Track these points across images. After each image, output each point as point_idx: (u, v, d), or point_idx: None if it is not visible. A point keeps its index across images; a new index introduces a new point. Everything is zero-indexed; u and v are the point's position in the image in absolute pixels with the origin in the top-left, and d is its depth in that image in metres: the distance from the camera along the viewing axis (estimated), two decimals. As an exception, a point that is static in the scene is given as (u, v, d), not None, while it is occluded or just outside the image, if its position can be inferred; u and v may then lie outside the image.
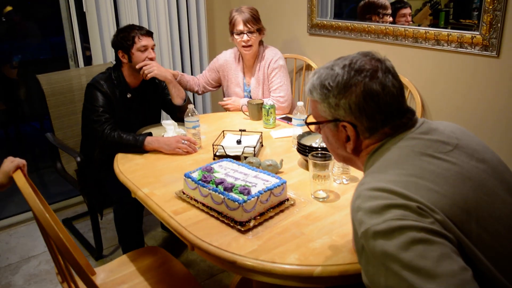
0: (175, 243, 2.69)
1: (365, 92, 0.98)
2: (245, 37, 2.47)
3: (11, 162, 1.34)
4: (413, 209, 0.83)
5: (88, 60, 3.06)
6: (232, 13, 2.53)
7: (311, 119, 1.15)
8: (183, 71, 3.28)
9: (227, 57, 2.68)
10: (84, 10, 2.78)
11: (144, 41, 2.18)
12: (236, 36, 2.50)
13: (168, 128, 2.17)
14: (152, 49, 2.24)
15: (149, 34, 2.22)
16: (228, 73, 2.67)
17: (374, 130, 1.01)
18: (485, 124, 2.13)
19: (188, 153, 1.99)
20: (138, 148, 2.01)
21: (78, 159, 2.28)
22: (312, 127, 1.16)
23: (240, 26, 2.46)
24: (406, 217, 0.82)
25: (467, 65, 2.13)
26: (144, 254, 1.81)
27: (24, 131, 4.77)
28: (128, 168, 1.89)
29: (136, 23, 2.92)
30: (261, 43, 2.61)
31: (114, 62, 2.32)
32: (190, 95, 3.18)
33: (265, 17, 2.88)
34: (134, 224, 2.22)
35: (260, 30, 2.53)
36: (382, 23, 2.54)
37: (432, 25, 2.42)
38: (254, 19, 2.49)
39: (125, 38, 2.17)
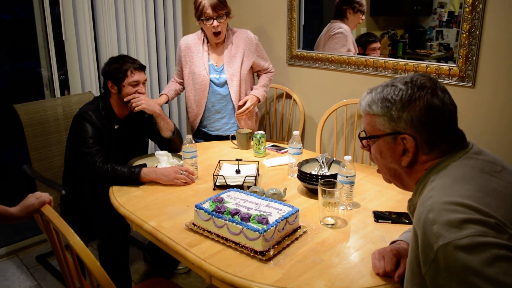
0: (160, 276, 2.63)
1: (427, 106, 1.05)
2: (215, 22, 2.46)
3: (36, 198, 1.29)
4: (492, 225, 0.88)
5: (62, 89, 2.99)
6: None
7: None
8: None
9: (188, 41, 2.65)
10: (64, 39, 2.73)
11: (136, 76, 2.17)
12: (205, 22, 2.49)
13: (162, 159, 2.15)
14: (143, 84, 2.23)
15: (142, 68, 2.21)
16: (192, 56, 2.63)
17: (433, 145, 1.07)
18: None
19: (186, 183, 1.98)
20: (134, 180, 1.98)
21: (63, 192, 2.20)
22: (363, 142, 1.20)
23: (209, 11, 2.44)
24: (486, 233, 0.87)
25: (445, 95, 2.29)
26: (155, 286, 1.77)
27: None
28: (127, 201, 1.85)
29: (115, 52, 2.90)
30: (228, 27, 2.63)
31: (92, 92, 2.28)
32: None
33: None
34: (123, 260, 2.16)
35: (228, 14, 2.53)
36: (356, 19, 2.76)
37: (392, 55, 2.60)
38: (221, 3, 2.48)
39: (117, 70, 2.15)
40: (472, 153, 1.08)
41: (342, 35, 2.82)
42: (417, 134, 1.07)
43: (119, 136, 2.25)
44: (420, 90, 1.06)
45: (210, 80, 2.62)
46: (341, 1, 2.82)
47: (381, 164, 1.19)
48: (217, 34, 2.52)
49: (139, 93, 2.20)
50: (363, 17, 2.75)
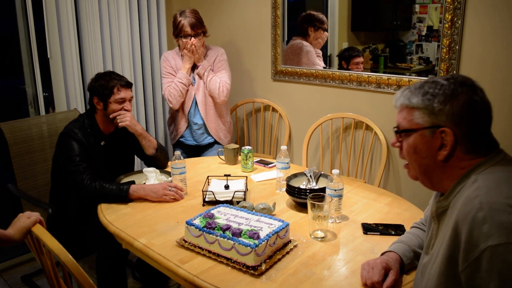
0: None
1: (469, 102, 1.07)
2: (193, 39, 2.66)
3: (27, 218, 1.28)
4: None
5: (47, 107, 2.97)
6: (177, 17, 2.69)
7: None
8: (146, 113, 3.29)
9: (173, 56, 2.83)
10: (48, 56, 2.73)
11: (123, 93, 2.18)
12: (183, 39, 2.67)
13: (150, 176, 2.15)
14: (130, 101, 2.23)
15: (129, 85, 2.22)
16: (175, 68, 2.80)
17: (471, 142, 1.08)
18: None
19: (175, 200, 1.98)
20: (123, 198, 1.97)
21: (50, 211, 2.18)
22: (393, 139, 1.20)
23: (187, 29, 2.65)
24: None
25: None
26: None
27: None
28: (117, 218, 1.84)
29: (101, 69, 2.90)
30: (204, 44, 2.80)
31: (78, 109, 2.27)
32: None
33: (231, 62, 3.00)
34: (121, 275, 2.13)
35: (204, 33, 2.74)
36: (318, 36, 2.89)
37: (373, 69, 2.67)
38: (199, 23, 2.69)
39: (103, 86, 2.15)
40: (509, 159, 1.10)
41: (310, 51, 2.95)
42: (456, 128, 1.07)
43: (105, 153, 2.25)
44: (462, 86, 1.09)
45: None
46: (302, 20, 2.93)
47: (413, 159, 1.17)
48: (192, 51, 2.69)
49: (125, 110, 2.20)
50: (326, 33, 2.86)
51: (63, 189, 2.25)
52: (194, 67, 2.79)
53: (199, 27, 2.67)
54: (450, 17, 2.18)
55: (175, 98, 2.75)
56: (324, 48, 2.93)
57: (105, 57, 2.96)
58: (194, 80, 2.80)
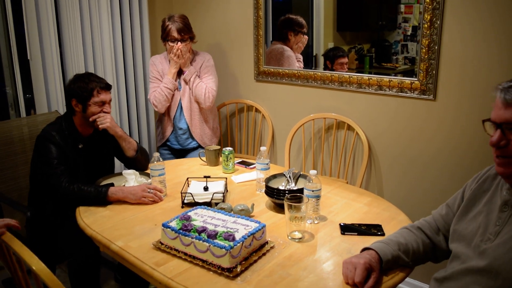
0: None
1: None
2: (179, 44, 2.69)
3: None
4: None
5: (27, 109, 2.94)
6: (165, 22, 2.73)
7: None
8: (129, 115, 3.27)
9: (161, 60, 2.86)
10: (29, 58, 2.70)
11: (102, 95, 2.15)
12: (170, 43, 2.70)
13: (129, 178, 2.14)
14: (109, 103, 2.21)
15: (108, 88, 2.20)
16: (162, 73, 2.83)
17: None
18: (428, 161, 2.35)
19: (154, 202, 1.97)
20: (102, 200, 1.96)
21: (29, 214, 2.16)
22: (496, 133, 1.19)
23: (175, 34, 2.67)
24: None
25: (408, 108, 2.36)
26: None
27: None
28: (94, 221, 1.82)
29: (82, 70, 2.88)
30: (191, 50, 2.83)
31: (59, 111, 2.25)
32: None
33: (214, 63, 2.99)
34: (93, 279, 2.12)
35: (192, 38, 2.77)
36: (299, 40, 2.88)
37: (359, 69, 2.68)
38: (187, 28, 2.72)
39: (82, 88, 2.12)
40: None
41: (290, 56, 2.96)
42: None
43: (84, 155, 2.23)
44: None
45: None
46: (281, 25, 2.94)
47: None
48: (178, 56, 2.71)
49: (105, 112, 2.18)
50: (306, 37, 2.87)
51: (42, 192, 2.22)
52: (180, 72, 2.80)
53: (186, 32, 2.71)
54: (429, 17, 2.19)
55: (160, 102, 2.78)
56: (309, 48, 2.93)
57: (86, 58, 2.94)
58: (180, 85, 2.82)
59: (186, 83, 2.80)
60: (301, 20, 2.87)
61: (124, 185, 2.09)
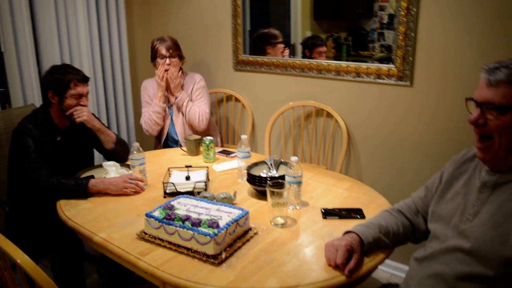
0: (115, 288, 2.58)
1: None
2: (167, 60, 2.72)
3: None
4: None
5: (2, 103, 2.87)
6: (154, 42, 2.78)
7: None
8: (107, 107, 3.24)
9: (152, 84, 2.86)
10: (2, 50, 2.63)
11: (79, 88, 2.12)
12: (159, 60, 2.74)
13: (110, 170, 2.13)
14: (86, 96, 2.18)
15: (86, 80, 2.16)
16: (153, 98, 2.84)
17: None
18: (403, 145, 2.40)
19: (136, 192, 1.97)
20: (82, 193, 1.94)
21: (7, 209, 2.12)
22: (476, 111, 1.21)
23: (163, 51, 2.72)
24: None
25: (385, 94, 2.41)
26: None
27: None
28: (76, 214, 1.81)
29: (58, 62, 2.83)
30: (181, 70, 2.83)
31: (35, 104, 2.20)
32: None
33: (191, 53, 2.98)
34: (78, 273, 2.10)
35: (180, 57, 2.79)
36: (279, 53, 2.90)
37: (336, 57, 2.70)
38: (176, 46, 2.78)
39: (59, 80, 2.09)
40: None
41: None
42: None
43: (62, 148, 2.19)
44: None
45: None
46: (256, 41, 2.97)
47: (506, 135, 1.18)
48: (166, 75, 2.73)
49: (81, 105, 2.15)
50: (283, 45, 2.89)
51: (20, 186, 2.19)
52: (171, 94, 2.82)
53: (174, 50, 2.74)
54: (406, 4, 2.22)
55: (150, 127, 2.83)
56: (287, 37, 2.94)
57: (62, 49, 2.89)
58: (172, 110, 2.84)
59: (179, 109, 2.80)
60: (274, 32, 2.93)
61: (104, 177, 2.08)
